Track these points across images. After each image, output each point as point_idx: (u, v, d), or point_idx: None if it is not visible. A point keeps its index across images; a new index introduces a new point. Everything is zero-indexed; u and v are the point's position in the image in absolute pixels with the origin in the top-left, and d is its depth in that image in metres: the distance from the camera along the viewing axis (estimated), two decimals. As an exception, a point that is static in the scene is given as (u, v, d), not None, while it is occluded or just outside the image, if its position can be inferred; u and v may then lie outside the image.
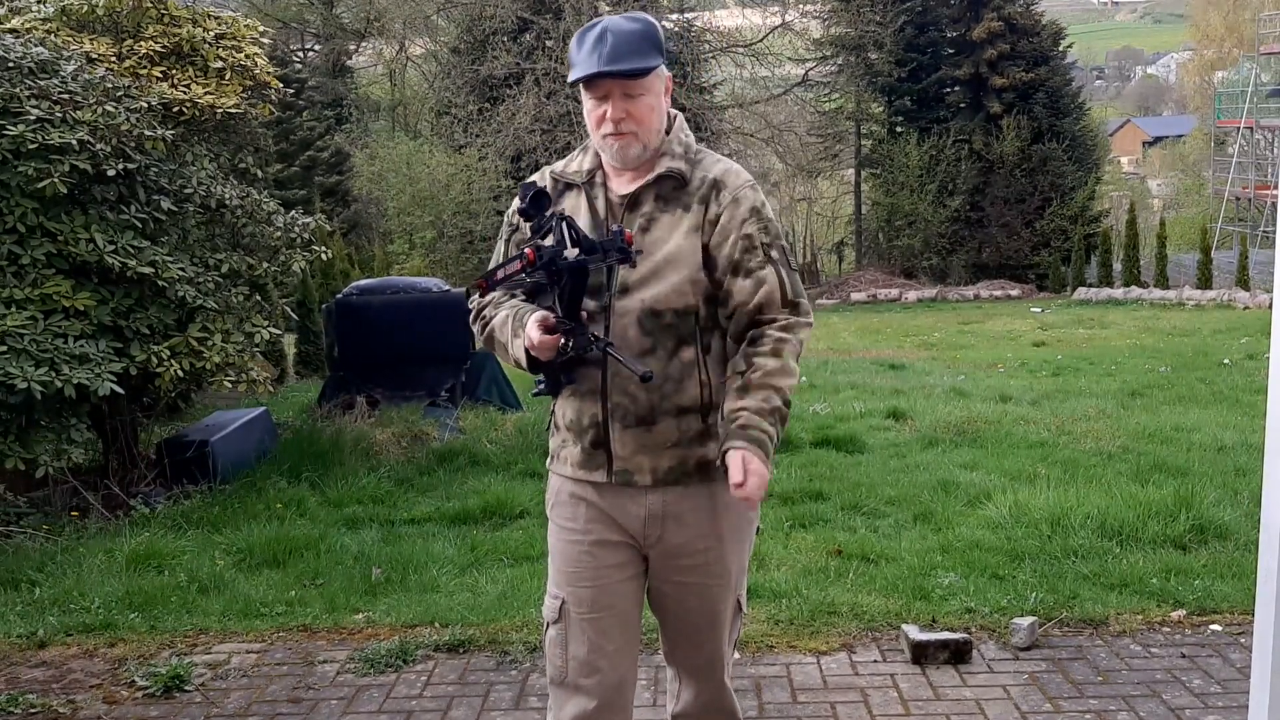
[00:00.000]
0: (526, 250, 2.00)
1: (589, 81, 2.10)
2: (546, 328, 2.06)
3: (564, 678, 2.24)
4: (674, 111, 2.26)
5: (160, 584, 4.41)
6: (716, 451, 2.15)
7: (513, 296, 2.26)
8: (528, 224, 2.10)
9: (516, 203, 2.25)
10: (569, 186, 2.25)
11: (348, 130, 27.95)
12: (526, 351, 2.12)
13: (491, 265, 2.28)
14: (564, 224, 2.02)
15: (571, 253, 1.98)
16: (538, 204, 2.06)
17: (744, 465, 2.03)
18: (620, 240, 1.98)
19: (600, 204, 2.20)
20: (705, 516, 2.22)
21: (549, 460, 2.33)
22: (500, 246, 2.34)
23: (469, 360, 8.21)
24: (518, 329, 2.15)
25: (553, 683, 2.27)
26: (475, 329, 2.32)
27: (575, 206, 2.21)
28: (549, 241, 2.03)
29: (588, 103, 2.15)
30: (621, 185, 2.20)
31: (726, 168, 2.22)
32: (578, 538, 2.24)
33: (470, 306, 2.34)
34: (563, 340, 2.02)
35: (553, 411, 2.29)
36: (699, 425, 2.18)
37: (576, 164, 2.27)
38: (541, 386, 2.18)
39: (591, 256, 1.98)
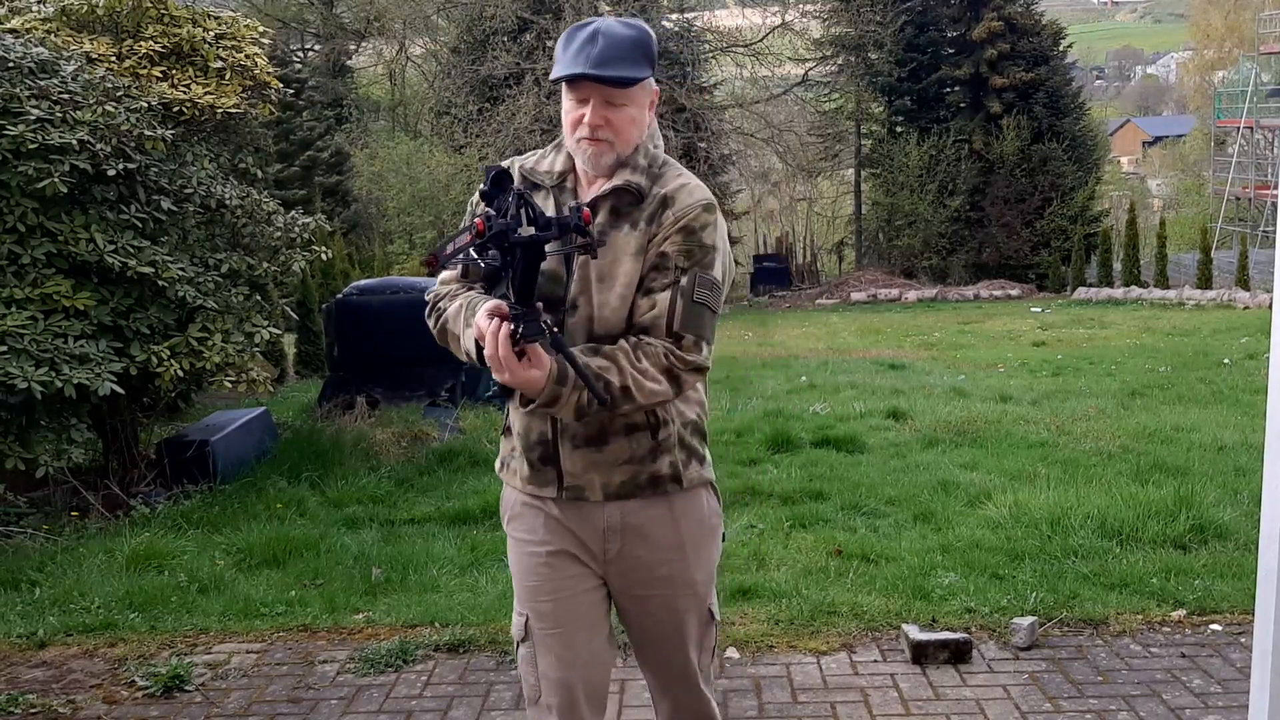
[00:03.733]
0: (476, 220, 1.85)
1: (571, 81, 2.01)
2: (499, 316, 1.91)
3: (538, 697, 2.19)
4: (652, 120, 2.15)
5: (160, 584, 4.41)
6: (669, 466, 2.11)
7: (470, 288, 2.13)
8: (488, 206, 1.95)
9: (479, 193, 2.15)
10: (536, 187, 2.13)
11: (348, 130, 27.96)
12: (476, 342, 1.97)
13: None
14: (520, 201, 1.87)
15: (526, 230, 1.84)
16: (499, 185, 1.92)
17: (534, 354, 1.88)
18: (578, 218, 1.85)
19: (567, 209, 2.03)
20: (666, 529, 2.14)
21: (499, 467, 2.23)
22: (459, 238, 2.21)
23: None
24: (469, 319, 2.02)
25: (529, 703, 2.23)
26: (430, 322, 2.18)
27: (542, 208, 2.08)
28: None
29: (567, 102, 2.05)
30: (591, 193, 2.09)
31: (682, 185, 2.07)
32: (535, 549, 2.16)
33: (429, 303, 2.22)
34: (513, 326, 1.86)
35: (506, 412, 2.19)
36: (650, 442, 2.10)
37: (548, 163, 2.15)
38: (495, 388, 2.03)
39: (546, 233, 1.84)
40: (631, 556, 2.15)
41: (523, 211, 1.86)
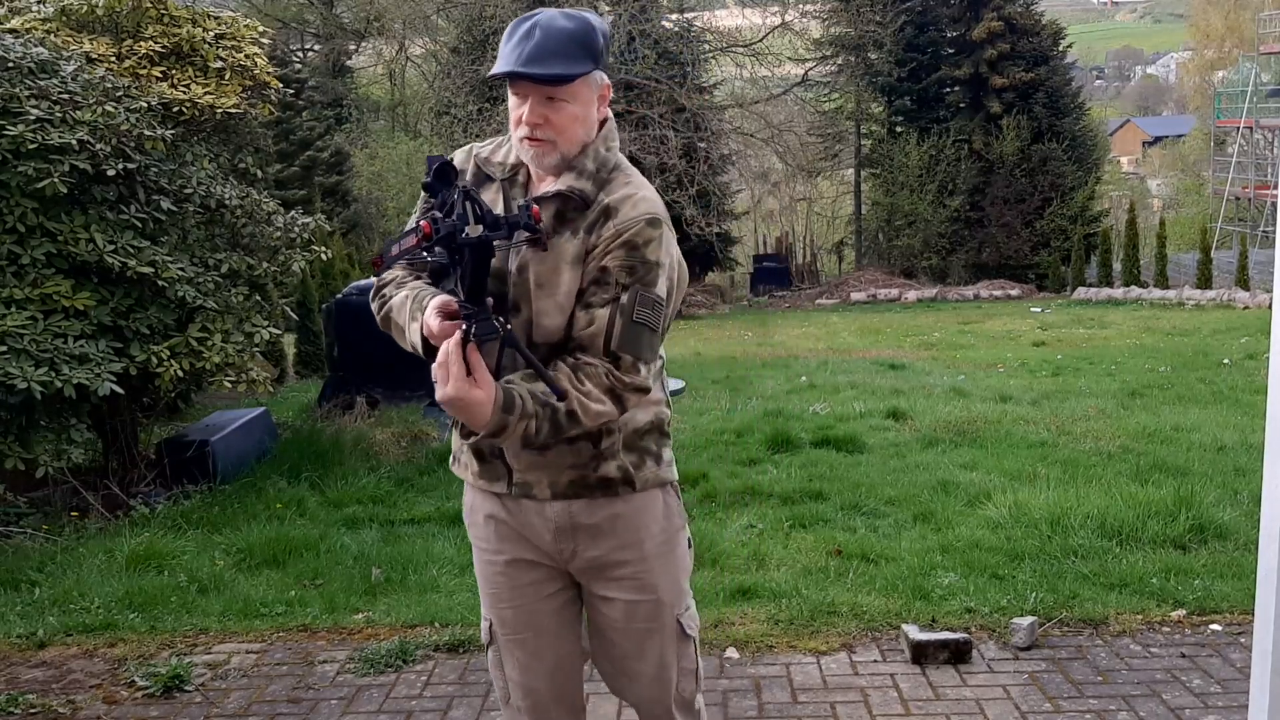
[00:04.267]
0: (422, 223, 1.78)
1: (510, 78, 1.91)
2: (447, 314, 1.85)
3: (507, 699, 2.20)
4: (608, 115, 2.04)
5: (160, 584, 4.41)
6: (617, 470, 2.04)
7: (417, 278, 2.06)
8: (431, 198, 1.89)
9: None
10: (488, 178, 2.05)
11: (348, 130, 27.99)
12: (425, 339, 1.91)
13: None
14: (466, 198, 1.79)
15: (474, 229, 1.77)
16: (443, 177, 1.85)
17: (477, 373, 1.81)
18: (528, 217, 1.80)
19: (515, 207, 1.99)
20: (620, 527, 2.06)
21: (451, 461, 2.17)
22: (412, 224, 2.10)
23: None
24: (415, 312, 1.95)
25: (501, 703, 2.24)
26: (374, 306, 2.10)
27: (491, 203, 2.00)
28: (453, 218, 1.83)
29: (510, 99, 1.96)
30: (543, 188, 2.01)
31: (628, 195, 1.96)
32: (491, 558, 2.14)
33: (374, 291, 2.15)
34: (463, 325, 1.79)
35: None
36: (591, 450, 2.03)
37: (502, 154, 2.07)
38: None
39: (495, 233, 1.78)
40: (586, 557, 2.08)
41: (469, 208, 1.79)
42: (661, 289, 1.96)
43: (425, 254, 1.83)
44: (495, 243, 1.80)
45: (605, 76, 2.00)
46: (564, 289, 1.94)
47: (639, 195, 1.97)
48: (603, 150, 2.00)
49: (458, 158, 2.10)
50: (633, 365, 1.93)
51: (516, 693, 2.18)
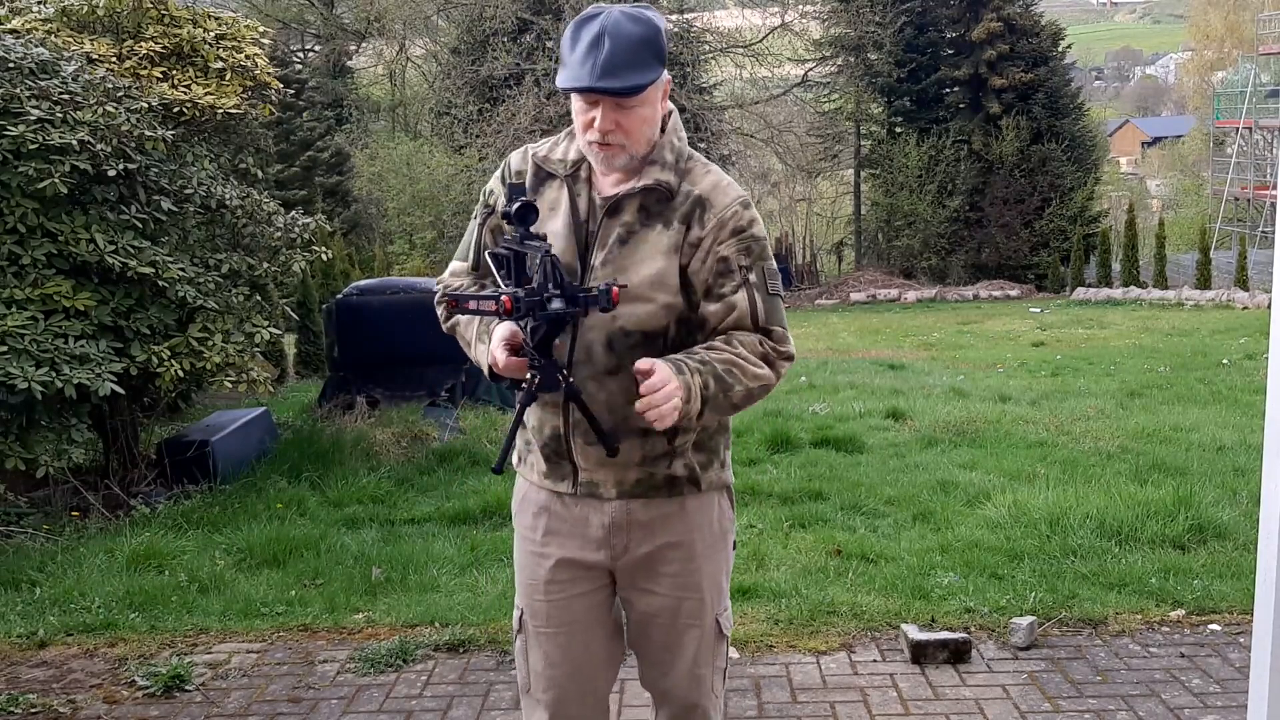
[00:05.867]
0: (504, 298, 1.82)
1: (585, 92, 1.94)
2: (513, 347, 1.92)
3: (528, 689, 2.21)
4: (670, 108, 2.09)
5: (160, 584, 4.42)
6: (684, 469, 2.08)
7: (481, 285, 2.13)
8: (508, 224, 1.95)
9: (495, 180, 2.13)
10: (550, 176, 2.08)
11: (348, 131, 27.98)
12: (490, 368, 1.99)
13: (462, 247, 2.17)
14: (549, 263, 1.84)
15: (554, 304, 1.83)
16: (523, 218, 1.91)
17: (650, 365, 1.87)
18: (607, 298, 1.84)
19: (583, 202, 2.04)
20: (675, 526, 2.11)
21: (516, 460, 2.20)
22: (474, 228, 2.18)
23: (469, 360, 8.21)
24: (482, 334, 2.04)
25: (522, 691, 2.24)
26: (439, 310, 2.17)
27: (555, 200, 2.05)
28: (529, 257, 1.89)
29: (576, 103, 1.98)
30: (608, 185, 2.04)
31: (715, 182, 2.05)
32: (536, 549, 2.15)
33: (438, 287, 2.21)
34: (530, 374, 1.88)
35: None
36: (664, 446, 2.06)
37: (561, 150, 2.09)
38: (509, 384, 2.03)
39: (572, 310, 1.84)
40: (637, 554, 2.11)
41: (549, 273, 1.84)
42: (773, 259, 2.09)
43: (497, 320, 1.92)
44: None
45: (667, 73, 2.04)
46: (663, 278, 2.00)
47: (724, 181, 2.06)
48: (675, 141, 2.07)
49: (514, 160, 2.14)
50: (783, 335, 2.04)
51: (539, 684, 2.18)
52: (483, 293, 1.93)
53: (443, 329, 2.21)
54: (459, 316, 2.12)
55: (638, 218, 2.01)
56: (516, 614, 2.21)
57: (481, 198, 2.18)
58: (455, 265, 2.21)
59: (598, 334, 2.00)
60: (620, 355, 2.00)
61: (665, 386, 1.85)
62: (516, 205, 1.91)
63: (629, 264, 2.00)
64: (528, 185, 2.07)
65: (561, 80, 1.95)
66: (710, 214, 2.01)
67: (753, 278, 2.02)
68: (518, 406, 1.98)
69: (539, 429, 2.10)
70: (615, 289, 1.85)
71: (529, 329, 1.88)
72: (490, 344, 1.97)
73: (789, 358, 2.05)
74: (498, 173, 2.16)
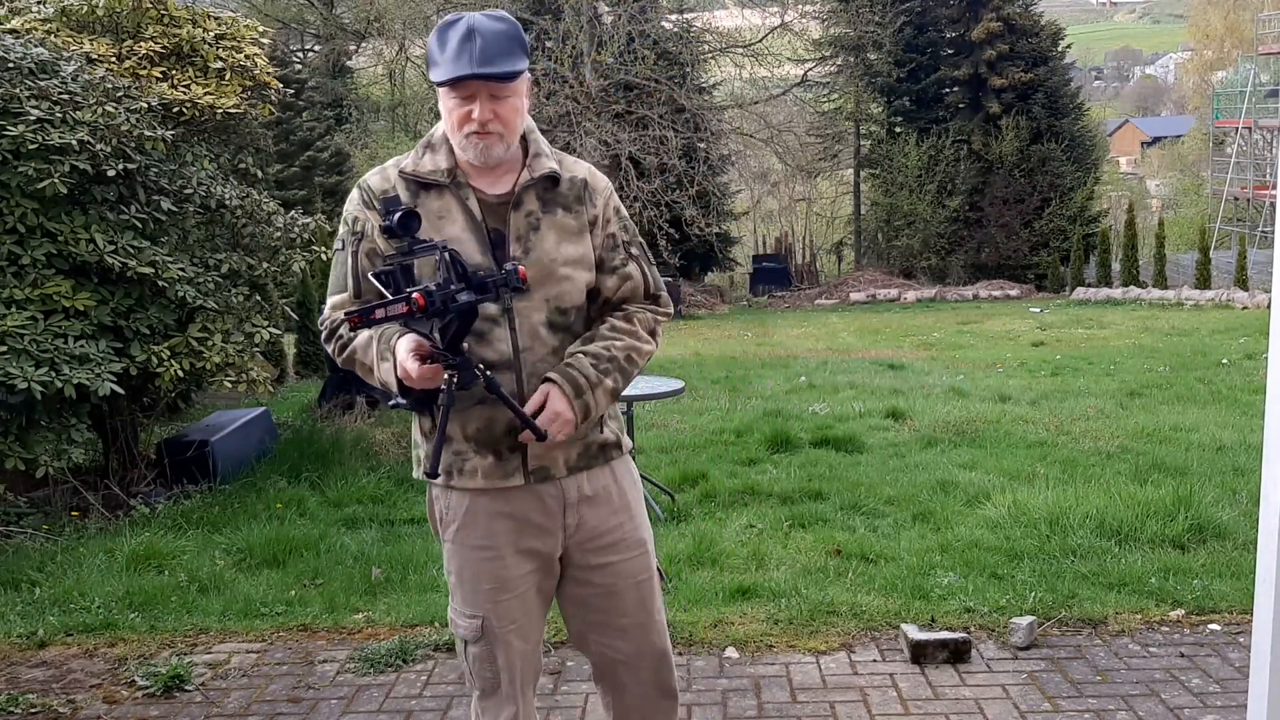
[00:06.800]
0: (415, 295, 1.83)
1: (455, 81, 2.02)
2: (421, 356, 1.94)
3: (498, 688, 2.23)
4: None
5: (160, 584, 4.42)
6: (611, 433, 2.25)
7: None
8: (389, 240, 1.97)
9: (355, 206, 2.15)
10: (427, 187, 2.12)
11: (348, 131, 27.99)
12: (400, 380, 2.01)
13: (336, 281, 2.16)
14: (452, 261, 1.91)
15: (464, 295, 1.88)
16: (406, 226, 1.92)
17: (544, 398, 2.08)
18: (515, 278, 1.92)
19: (474, 205, 2.11)
20: (613, 492, 2.25)
21: (444, 477, 2.17)
22: (345, 258, 2.16)
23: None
24: (384, 352, 2.05)
25: (486, 695, 2.24)
26: (329, 347, 2.20)
27: (443, 208, 2.11)
28: (417, 266, 1.92)
29: (449, 101, 2.06)
30: (489, 184, 2.13)
31: (587, 167, 2.26)
32: (493, 554, 2.18)
33: (323, 327, 2.21)
34: (446, 374, 1.93)
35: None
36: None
37: (430, 162, 2.14)
38: (403, 402, 2.04)
39: (485, 296, 1.91)
40: (588, 526, 2.23)
41: (453, 272, 1.90)
42: (639, 234, 2.32)
43: (409, 322, 1.91)
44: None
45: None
46: (583, 256, 2.18)
47: (587, 164, 2.27)
48: (538, 133, 2.21)
49: (373, 181, 2.17)
50: (666, 299, 2.30)
51: (510, 679, 2.23)
52: (387, 299, 1.90)
53: (338, 363, 2.21)
54: (355, 344, 2.13)
55: (539, 206, 2.16)
56: (473, 624, 2.20)
57: (343, 228, 2.19)
58: (335, 299, 2.20)
59: (539, 316, 2.13)
60: (560, 333, 2.16)
61: (557, 420, 2.08)
62: (399, 214, 1.92)
63: (549, 248, 2.14)
64: (403, 200, 2.09)
65: (438, 75, 2.03)
66: (598, 195, 2.22)
67: (634, 250, 2.25)
68: (440, 410, 1.97)
69: (488, 429, 2.13)
70: (521, 268, 1.94)
71: (438, 330, 1.93)
72: (397, 359, 1.99)
73: (669, 314, 2.30)
74: (355, 200, 2.18)
